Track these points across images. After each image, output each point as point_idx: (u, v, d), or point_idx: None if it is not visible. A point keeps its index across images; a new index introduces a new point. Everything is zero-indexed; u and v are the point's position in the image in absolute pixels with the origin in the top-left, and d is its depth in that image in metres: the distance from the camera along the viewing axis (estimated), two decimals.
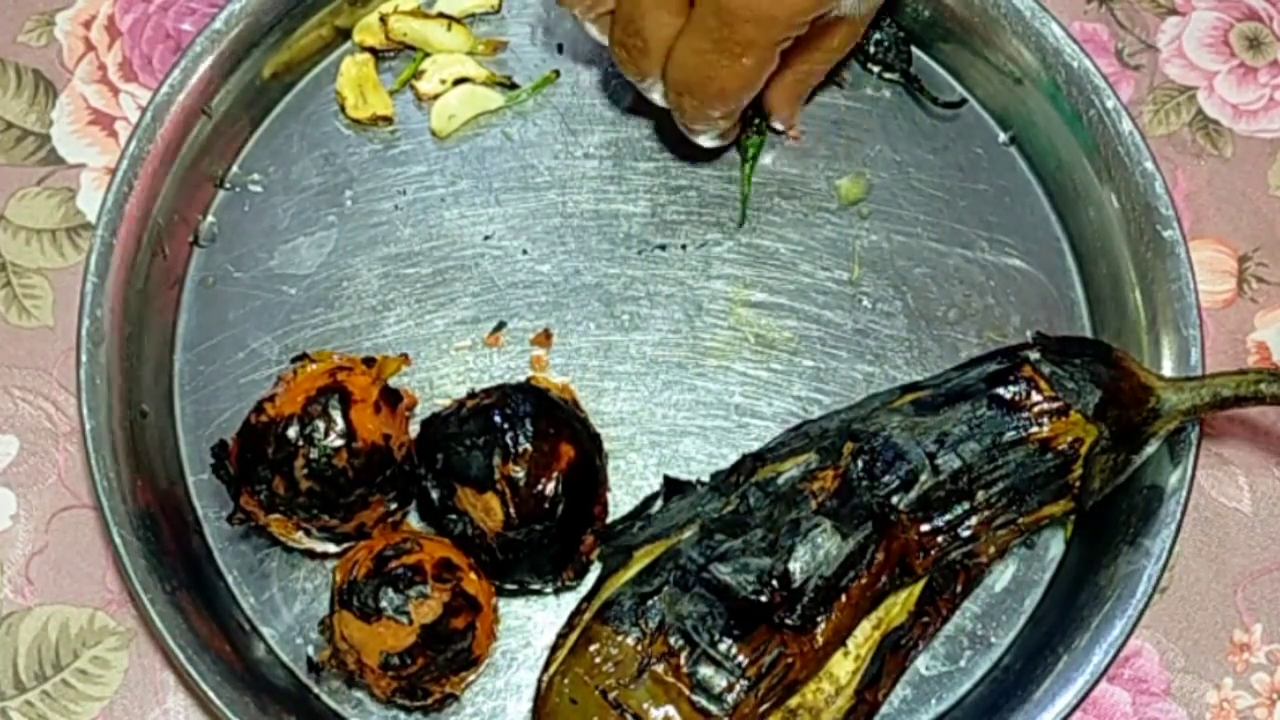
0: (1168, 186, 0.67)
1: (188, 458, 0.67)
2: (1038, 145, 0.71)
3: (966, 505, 0.60)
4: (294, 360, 0.65)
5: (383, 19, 0.72)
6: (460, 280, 0.70)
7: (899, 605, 0.60)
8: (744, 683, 0.57)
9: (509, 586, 0.63)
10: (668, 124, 0.71)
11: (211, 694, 0.60)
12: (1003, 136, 0.72)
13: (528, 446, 0.61)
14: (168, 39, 0.74)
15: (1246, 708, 0.66)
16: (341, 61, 0.72)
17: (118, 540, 0.62)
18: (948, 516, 0.60)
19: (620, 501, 0.66)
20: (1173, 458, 0.64)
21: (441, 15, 0.72)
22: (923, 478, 0.60)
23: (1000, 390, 0.61)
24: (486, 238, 0.70)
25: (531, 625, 0.65)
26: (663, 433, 0.68)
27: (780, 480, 0.61)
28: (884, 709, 0.64)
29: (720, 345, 0.69)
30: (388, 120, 0.71)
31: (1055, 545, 0.67)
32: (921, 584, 0.61)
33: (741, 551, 0.59)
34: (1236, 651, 0.67)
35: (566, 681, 0.58)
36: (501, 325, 0.69)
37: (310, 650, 0.64)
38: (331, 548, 0.63)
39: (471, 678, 0.62)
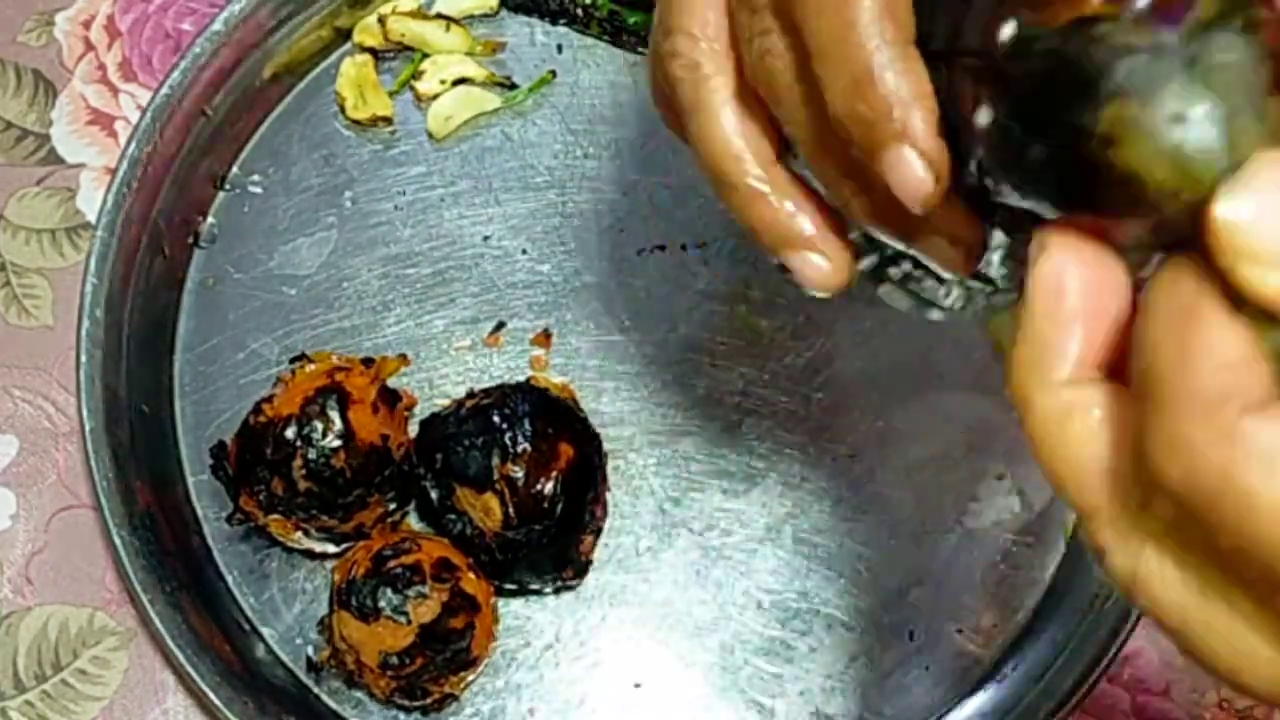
0: None
1: (187, 458, 0.67)
2: None
3: None
4: (292, 361, 0.65)
5: (381, 20, 0.72)
6: (460, 280, 0.70)
7: None
8: None
9: (508, 586, 0.64)
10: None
11: (211, 694, 0.60)
12: None
13: (527, 446, 0.61)
14: (167, 39, 0.74)
15: (1246, 707, 0.66)
16: (341, 62, 0.72)
17: (117, 540, 0.62)
18: None
19: (620, 501, 0.66)
20: None
21: (440, 16, 0.72)
22: None
23: None
24: (486, 238, 0.70)
25: (530, 625, 0.65)
26: (663, 433, 0.68)
27: None
28: (883, 709, 0.64)
29: (720, 345, 0.69)
30: (387, 121, 0.72)
31: (1056, 545, 0.67)
32: None
33: None
34: None
35: None
36: (501, 325, 0.69)
37: (310, 650, 0.64)
38: (331, 548, 0.63)
39: (470, 677, 0.62)
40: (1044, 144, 0.33)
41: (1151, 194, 0.32)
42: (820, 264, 0.43)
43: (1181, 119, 0.31)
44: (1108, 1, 0.32)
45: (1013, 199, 0.37)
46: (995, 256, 0.41)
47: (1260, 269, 0.28)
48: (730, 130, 0.43)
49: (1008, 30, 0.34)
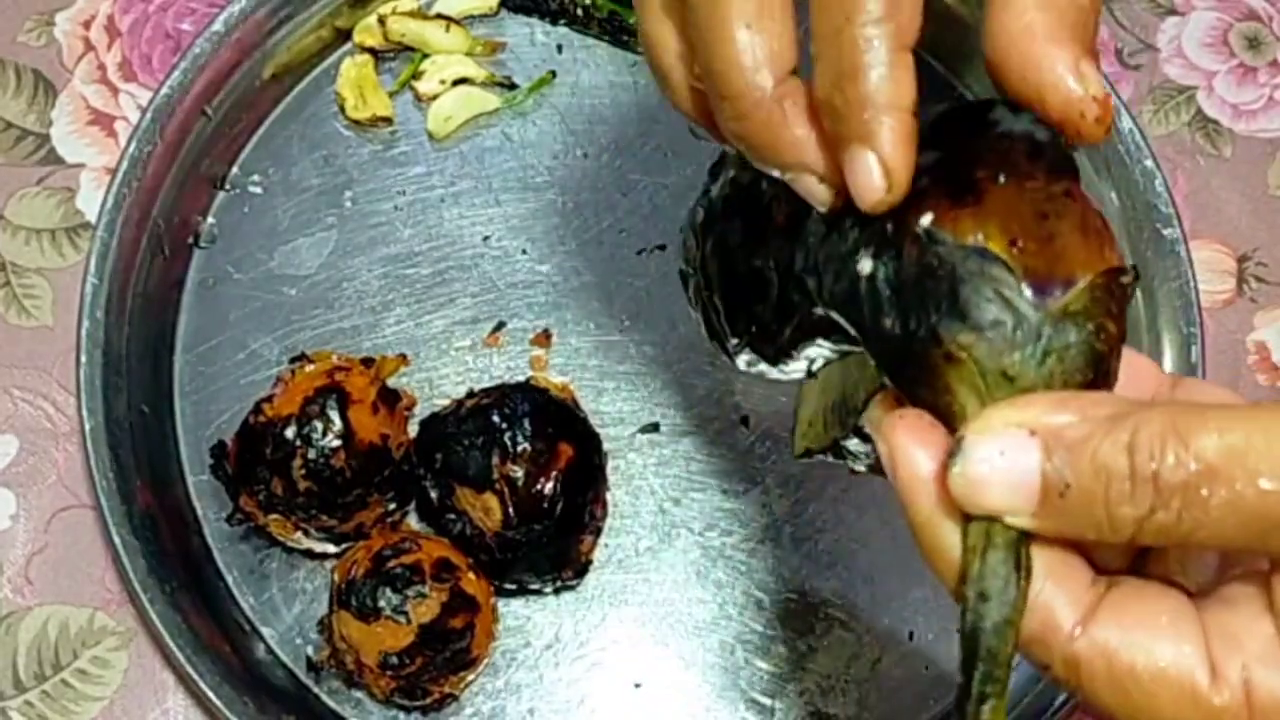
0: (1168, 185, 0.67)
1: (187, 458, 0.67)
2: None
3: None
4: (292, 361, 0.65)
5: (381, 20, 0.72)
6: (460, 280, 0.70)
7: None
8: None
9: (508, 586, 0.63)
10: (666, 123, 0.71)
11: (211, 694, 0.60)
12: None
13: (526, 446, 0.61)
14: (167, 39, 0.74)
15: None
16: (341, 63, 0.72)
17: (117, 540, 0.62)
18: None
19: (620, 501, 0.66)
20: None
21: (440, 16, 0.72)
22: None
23: None
24: (486, 238, 0.70)
25: (530, 625, 0.65)
26: (663, 433, 0.68)
27: None
28: (883, 709, 0.64)
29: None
30: (387, 121, 0.72)
31: None
32: None
33: None
34: None
35: None
36: (501, 325, 0.69)
37: (309, 650, 0.64)
38: (331, 548, 0.63)
39: (470, 677, 0.62)
40: (899, 321, 0.38)
41: (953, 410, 0.37)
42: (824, 189, 0.40)
43: (1010, 380, 0.36)
44: (1008, 244, 0.36)
45: (840, 322, 0.41)
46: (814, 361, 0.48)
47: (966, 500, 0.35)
48: (744, 40, 0.39)
49: (925, 220, 0.37)
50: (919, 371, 0.38)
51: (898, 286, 0.38)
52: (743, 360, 0.52)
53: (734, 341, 0.52)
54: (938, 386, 0.37)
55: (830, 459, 0.52)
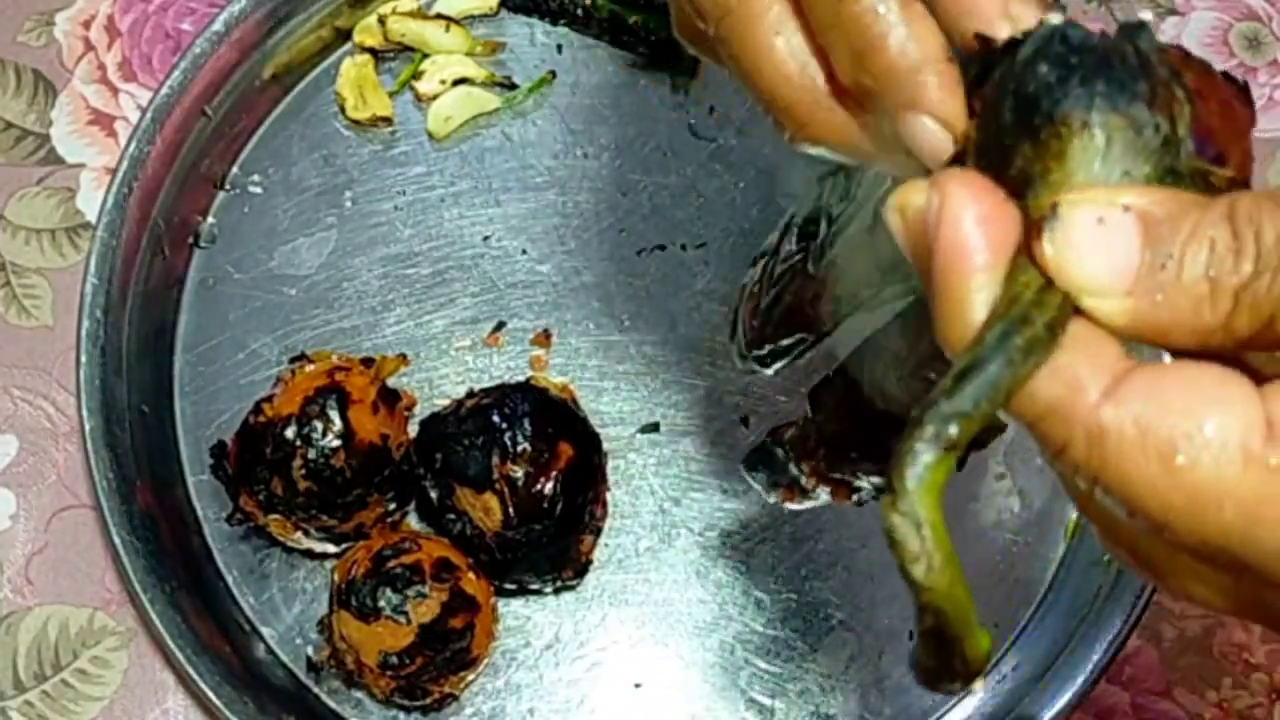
0: None
1: (187, 458, 0.67)
2: None
3: None
4: (292, 361, 0.65)
5: (381, 20, 0.72)
6: (460, 280, 0.70)
7: None
8: None
9: (508, 586, 0.64)
10: (666, 123, 0.71)
11: (211, 694, 0.60)
12: None
13: (526, 446, 0.61)
14: (167, 39, 0.74)
15: (1245, 707, 0.66)
16: (341, 63, 0.72)
17: (117, 540, 0.62)
18: None
19: (620, 501, 0.66)
20: None
21: (440, 16, 0.72)
22: None
23: None
24: (486, 238, 0.70)
25: (530, 625, 0.65)
26: (663, 433, 0.68)
27: None
28: (883, 709, 0.64)
29: (720, 345, 0.69)
30: (387, 121, 0.72)
31: (1056, 544, 0.67)
32: None
33: None
34: (1235, 651, 0.67)
35: None
36: (501, 325, 0.69)
37: (309, 650, 0.64)
38: (331, 548, 0.63)
39: (470, 677, 0.62)
40: (1058, 73, 0.34)
41: (1048, 179, 0.33)
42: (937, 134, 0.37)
43: (1129, 176, 0.33)
44: (1194, 90, 0.34)
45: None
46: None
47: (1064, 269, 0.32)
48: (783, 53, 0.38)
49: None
50: (1044, 123, 0.34)
51: (1077, 46, 0.35)
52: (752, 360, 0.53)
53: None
54: (1051, 148, 0.34)
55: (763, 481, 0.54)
